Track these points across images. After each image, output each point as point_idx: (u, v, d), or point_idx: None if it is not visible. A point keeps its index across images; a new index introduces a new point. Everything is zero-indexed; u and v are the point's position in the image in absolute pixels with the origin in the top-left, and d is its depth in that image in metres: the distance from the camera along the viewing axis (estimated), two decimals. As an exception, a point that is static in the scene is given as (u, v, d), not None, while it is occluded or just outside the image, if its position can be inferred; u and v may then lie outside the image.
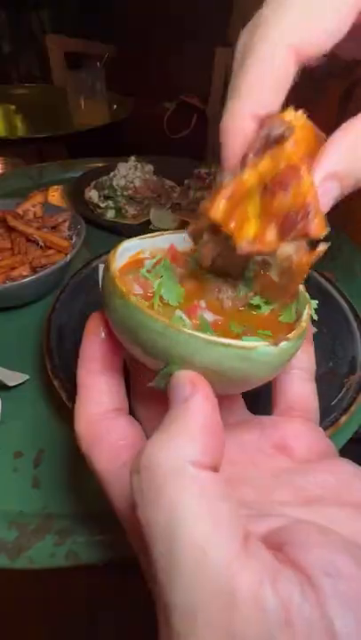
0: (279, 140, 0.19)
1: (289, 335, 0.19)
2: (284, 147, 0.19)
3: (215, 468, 0.16)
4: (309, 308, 0.22)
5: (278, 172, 0.19)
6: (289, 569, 0.13)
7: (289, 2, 0.19)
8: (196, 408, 0.17)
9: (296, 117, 0.19)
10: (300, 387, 0.25)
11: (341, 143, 0.19)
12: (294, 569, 0.13)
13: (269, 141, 0.20)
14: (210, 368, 0.18)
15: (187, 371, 0.18)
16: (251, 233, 0.20)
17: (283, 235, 0.20)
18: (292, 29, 0.19)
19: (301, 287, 0.23)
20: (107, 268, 0.22)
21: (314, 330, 0.48)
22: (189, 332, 0.18)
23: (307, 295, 0.22)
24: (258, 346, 0.18)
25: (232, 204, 0.19)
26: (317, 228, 0.19)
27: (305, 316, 0.21)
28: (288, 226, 0.20)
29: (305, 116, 0.20)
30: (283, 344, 0.19)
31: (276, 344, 0.18)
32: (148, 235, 0.25)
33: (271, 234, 0.20)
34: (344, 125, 0.19)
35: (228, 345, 0.18)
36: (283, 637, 0.12)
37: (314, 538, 0.14)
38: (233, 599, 0.12)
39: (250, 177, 0.19)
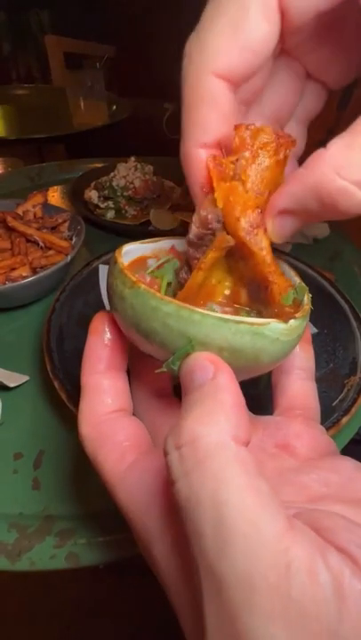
0: (213, 233, 0.21)
1: (296, 314, 0.20)
2: (222, 236, 0.21)
3: (247, 445, 0.16)
4: (308, 297, 0.22)
5: (233, 246, 0.21)
6: (332, 546, 0.13)
7: (215, 21, 0.18)
8: (225, 385, 0.17)
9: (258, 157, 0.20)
10: (300, 386, 0.25)
11: (290, 183, 0.19)
12: (335, 547, 0.13)
13: (206, 238, 0.22)
14: (224, 347, 0.18)
15: (206, 352, 0.18)
16: (224, 293, 0.23)
17: (252, 298, 0.22)
18: (213, 55, 0.19)
19: (298, 278, 0.23)
20: (114, 262, 0.21)
21: (314, 330, 0.48)
22: (203, 311, 0.18)
23: (303, 284, 0.23)
24: (270, 322, 0.19)
25: (192, 295, 0.22)
26: (280, 293, 0.21)
27: (306, 300, 0.22)
28: (254, 294, 0.21)
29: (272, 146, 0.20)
30: (291, 321, 0.19)
31: (285, 321, 0.19)
32: (149, 240, 0.25)
33: (244, 295, 0.23)
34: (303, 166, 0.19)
35: (242, 322, 0.18)
36: (337, 610, 0.12)
37: (339, 521, 0.15)
38: (288, 571, 0.12)
39: (198, 277, 0.22)
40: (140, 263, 0.25)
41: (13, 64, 2.04)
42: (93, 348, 0.23)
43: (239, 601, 0.13)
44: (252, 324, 0.18)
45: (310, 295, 0.23)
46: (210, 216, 0.21)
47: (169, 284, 0.24)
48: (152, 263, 0.25)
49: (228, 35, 0.18)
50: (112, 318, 0.23)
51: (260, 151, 0.20)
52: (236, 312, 0.23)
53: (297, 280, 0.23)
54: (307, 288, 0.23)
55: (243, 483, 0.14)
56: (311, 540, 0.13)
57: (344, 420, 0.37)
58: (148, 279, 0.24)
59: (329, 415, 0.38)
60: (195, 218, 0.22)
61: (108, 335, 0.23)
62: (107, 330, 0.23)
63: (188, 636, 0.16)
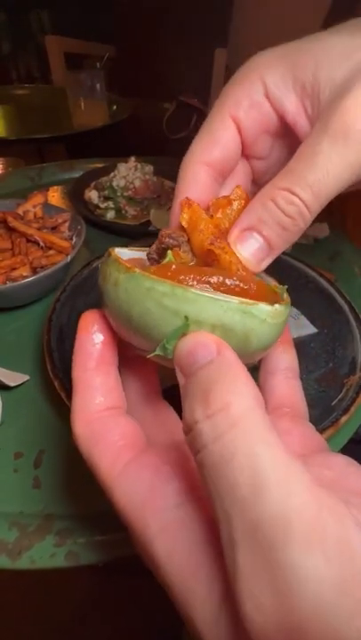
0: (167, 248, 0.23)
1: (280, 301, 0.21)
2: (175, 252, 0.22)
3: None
4: (287, 295, 0.24)
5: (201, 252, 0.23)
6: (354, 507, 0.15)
7: (196, 141, 0.25)
8: (234, 360, 0.18)
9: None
10: (286, 385, 0.26)
11: (255, 200, 0.22)
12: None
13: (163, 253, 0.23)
14: (217, 325, 0.19)
15: (203, 331, 0.19)
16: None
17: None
18: (200, 149, 0.25)
19: (274, 281, 0.25)
20: (108, 255, 0.22)
21: (314, 330, 0.48)
22: (196, 290, 0.19)
23: (281, 286, 0.25)
24: (257, 303, 0.20)
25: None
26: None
27: (286, 296, 0.23)
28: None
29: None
30: (276, 305, 0.21)
31: (271, 304, 0.21)
32: (137, 248, 0.26)
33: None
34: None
35: (232, 301, 0.19)
36: None
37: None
38: (320, 512, 0.14)
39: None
40: (134, 262, 0.26)
41: (13, 64, 2.04)
42: (83, 345, 0.22)
43: (276, 538, 0.13)
44: (241, 302, 0.20)
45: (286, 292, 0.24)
46: (167, 231, 0.23)
47: None
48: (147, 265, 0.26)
49: (204, 141, 0.25)
50: (101, 315, 0.23)
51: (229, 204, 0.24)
52: None
53: (271, 281, 0.25)
54: (285, 287, 0.24)
55: (274, 441, 0.15)
56: (337, 495, 0.15)
57: (343, 419, 0.37)
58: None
59: (328, 414, 0.38)
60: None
61: (97, 332, 0.23)
62: (96, 327, 0.23)
63: (201, 624, 0.16)
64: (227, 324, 0.20)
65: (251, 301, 0.20)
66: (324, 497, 0.14)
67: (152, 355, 0.20)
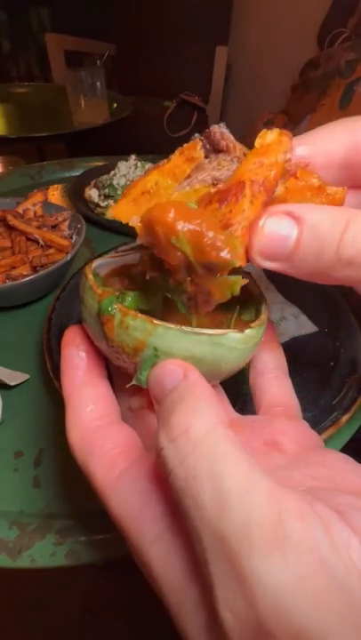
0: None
1: (251, 325, 0.21)
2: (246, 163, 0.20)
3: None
4: (266, 308, 0.24)
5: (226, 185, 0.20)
6: (320, 501, 0.15)
7: None
8: (197, 381, 0.18)
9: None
10: (276, 384, 0.26)
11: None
12: (323, 503, 0.15)
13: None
14: (187, 356, 0.20)
15: (171, 359, 0.20)
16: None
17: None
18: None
19: (256, 289, 0.25)
20: (84, 278, 0.22)
21: (315, 329, 0.48)
22: (165, 324, 0.19)
23: (263, 295, 0.25)
24: (227, 332, 0.20)
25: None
26: (226, 257, 0.19)
27: (263, 310, 0.23)
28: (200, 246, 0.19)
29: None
30: (247, 331, 0.21)
31: (241, 331, 0.21)
32: (118, 253, 0.26)
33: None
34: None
35: (201, 333, 0.20)
36: (330, 549, 0.14)
37: (328, 492, 0.16)
38: (280, 516, 0.14)
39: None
40: (125, 267, 0.26)
41: (14, 62, 2.04)
42: (70, 358, 0.23)
43: (240, 549, 0.14)
44: (210, 334, 0.20)
45: (268, 304, 0.24)
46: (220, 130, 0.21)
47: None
48: (136, 271, 0.26)
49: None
50: (84, 330, 0.23)
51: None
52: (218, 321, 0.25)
53: (255, 292, 0.25)
54: (265, 298, 0.24)
55: (234, 455, 0.15)
56: (300, 495, 0.15)
57: (344, 418, 0.37)
58: (127, 284, 0.25)
59: (329, 413, 0.38)
60: None
61: (81, 346, 0.23)
62: (80, 341, 0.23)
63: (193, 634, 0.16)
64: (197, 356, 0.20)
65: (220, 332, 0.20)
66: (284, 500, 0.14)
67: (129, 385, 0.21)
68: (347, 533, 0.14)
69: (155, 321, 0.19)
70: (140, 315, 0.20)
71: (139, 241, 0.21)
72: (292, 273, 0.20)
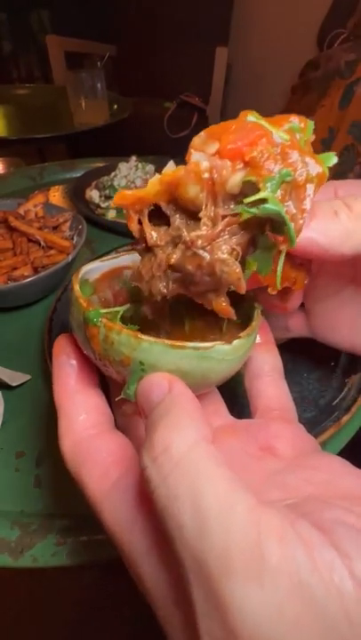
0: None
1: (240, 334, 0.21)
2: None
3: (210, 441, 0.17)
4: (259, 313, 0.24)
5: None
6: (303, 519, 0.14)
7: None
8: (182, 394, 0.18)
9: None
10: (273, 387, 0.26)
11: None
12: (307, 519, 0.14)
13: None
14: (173, 370, 0.20)
15: (157, 372, 0.19)
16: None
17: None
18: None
19: (251, 294, 0.24)
20: (71, 289, 0.22)
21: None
22: (151, 338, 0.19)
23: (257, 298, 0.25)
24: (214, 345, 0.20)
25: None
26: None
27: (255, 317, 0.23)
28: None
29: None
30: (235, 342, 0.20)
31: (230, 342, 0.20)
32: (109, 257, 0.26)
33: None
34: None
35: (187, 347, 0.19)
36: (310, 571, 0.13)
37: (317, 504, 0.16)
38: (259, 537, 0.13)
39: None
40: (116, 271, 0.26)
41: (14, 64, 2.04)
42: (61, 367, 0.23)
43: (219, 572, 0.13)
44: (196, 348, 0.19)
45: (260, 310, 0.24)
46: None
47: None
48: (127, 274, 0.26)
49: None
50: (74, 339, 0.23)
51: None
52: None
53: (248, 293, 0.25)
54: (260, 307, 0.24)
55: (214, 473, 0.15)
56: (281, 513, 0.14)
57: (345, 418, 0.37)
58: (118, 288, 0.26)
59: (330, 414, 0.38)
60: None
61: (72, 354, 0.23)
62: (70, 350, 0.23)
63: None
64: (184, 369, 0.20)
65: (207, 345, 0.20)
66: (264, 519, 0.14)
67: (118, 398, 0.21)
68: (330, 554, 0.13)
69: (139, 335, 0.19)
70: (124, 329, 0.20)
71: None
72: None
